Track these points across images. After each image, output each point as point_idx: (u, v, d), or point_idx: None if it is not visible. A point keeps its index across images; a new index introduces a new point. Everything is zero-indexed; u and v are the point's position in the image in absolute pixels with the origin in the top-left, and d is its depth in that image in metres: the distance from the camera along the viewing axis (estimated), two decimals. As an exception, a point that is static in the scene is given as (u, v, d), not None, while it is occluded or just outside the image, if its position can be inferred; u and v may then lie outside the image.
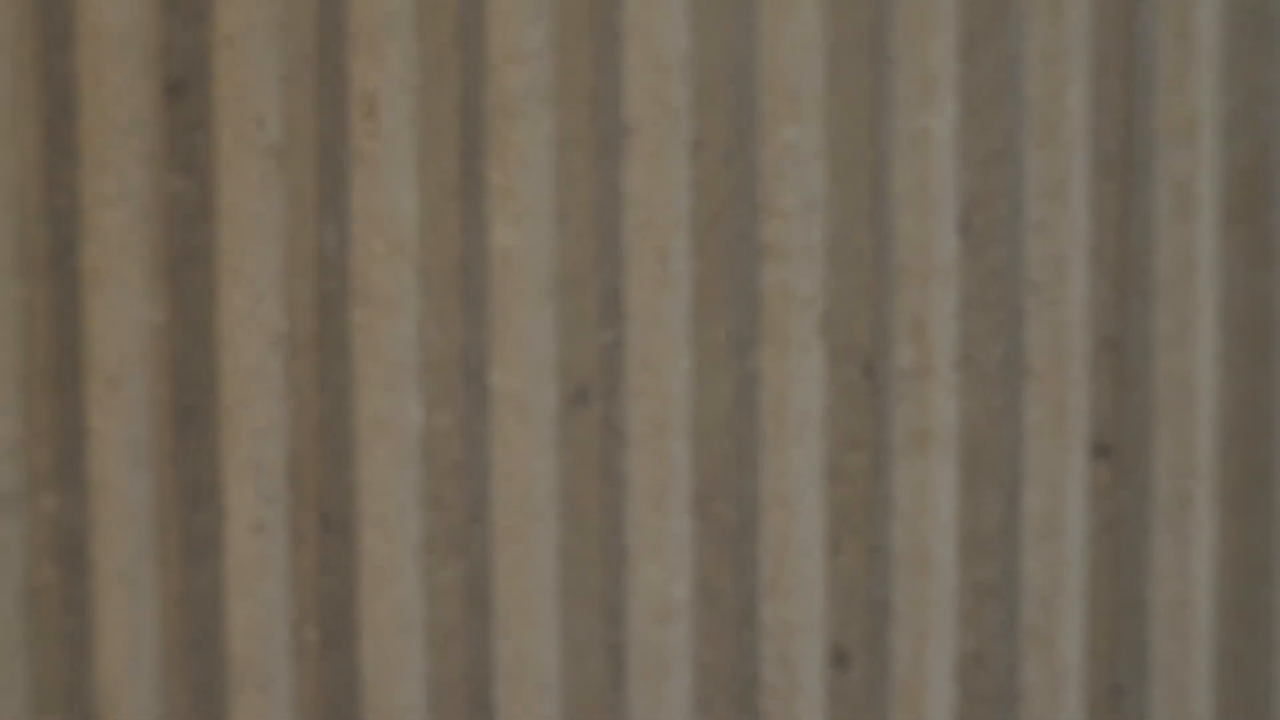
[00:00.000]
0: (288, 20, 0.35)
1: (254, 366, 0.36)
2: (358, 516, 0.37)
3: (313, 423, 0.36)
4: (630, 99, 0.35)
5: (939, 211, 0.35)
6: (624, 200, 0.36)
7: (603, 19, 0.35)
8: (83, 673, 0.37)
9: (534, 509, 0.36)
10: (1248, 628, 0.37)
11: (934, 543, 0.36)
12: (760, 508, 0.36)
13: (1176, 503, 0.36)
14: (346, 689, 0.37)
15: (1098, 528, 0.36)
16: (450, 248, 0.36)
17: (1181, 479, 0.36)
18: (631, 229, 0.36)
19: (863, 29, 0.35)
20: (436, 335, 0.36)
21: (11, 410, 0.36)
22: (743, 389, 0.36)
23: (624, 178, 0.36)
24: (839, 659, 0.36)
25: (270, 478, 0.36)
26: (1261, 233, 0.36)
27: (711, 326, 0.36)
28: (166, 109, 0.36)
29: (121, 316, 0.36)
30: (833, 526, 0.36)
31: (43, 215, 0.36)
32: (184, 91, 0.36)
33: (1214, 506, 0.36)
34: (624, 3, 0.35)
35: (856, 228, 0.35)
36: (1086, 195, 0.36)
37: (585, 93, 0.35)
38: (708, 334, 0.36)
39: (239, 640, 0.37)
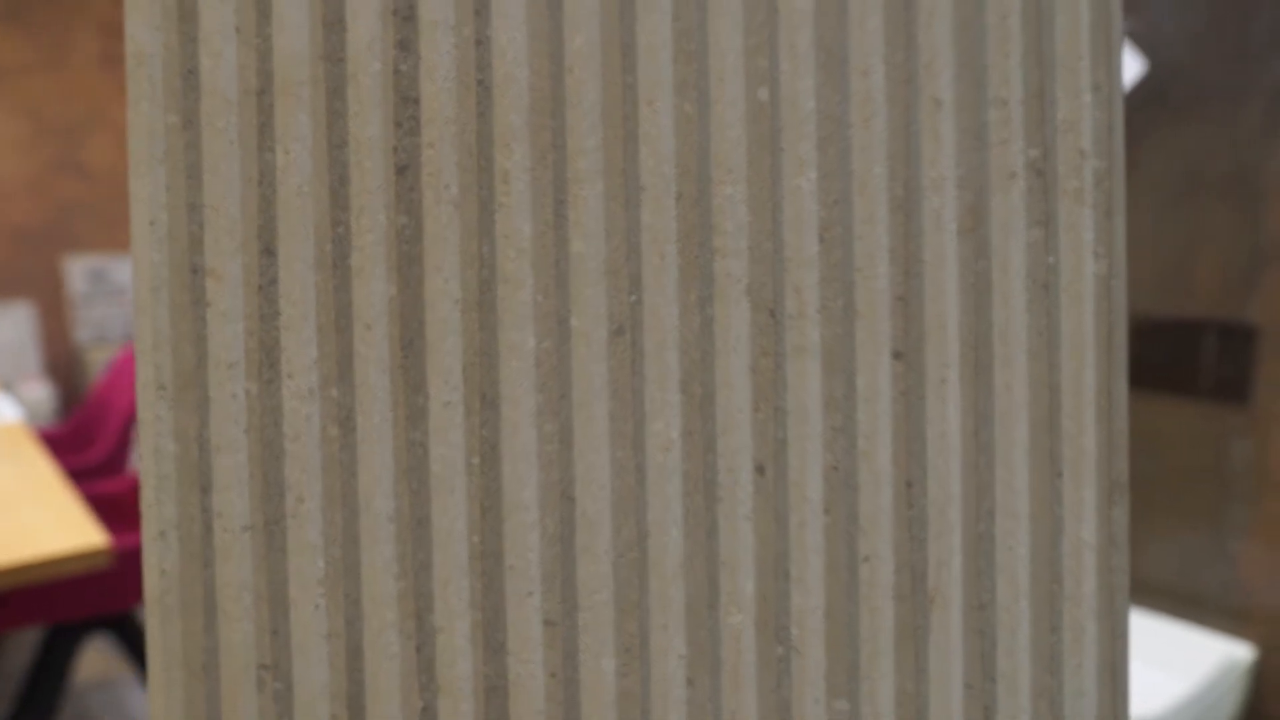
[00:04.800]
0: (459, 134, 0.64)
1: (444, 318, 0.63)
2: (500, 397, 0.64)
3: (476, 346, 0.64)
4: (643, 173, 0.63)
5: (807, 230, 0.64)
6: (640, 227, 0.64)
7: (627, 132, 0.63)
8: (351, 488, 0.65)
9: (593, 391, 0.64)
10: (979, 447, 0.65)
11: (809, 404, 0.64)
12: (715, 388, 0.64)
13: (938, 380, 0.65)
14: (494, 491, 0.65)
15: (895, 395, 0.65)
16: (548, 253, 0.64)
17: (940, 368, 0.64)
18: (645, 243, 0.64)
19: (765, 136, 0.64)
20: (541, 299, 0.64)
21: (312, 344, 0.64)
22: (704, 326, 0.64)
23: (640, 215, 0.64)
24: (759, 469, 0.65)
25: (453, 376, 0.64)
26: (979, 241, 0.65)
27: (687, 292, 0.64)
28: (396, 182, 0.64)
29: (372, 292, 0.63)
30: (754, 397, 0.64)
31: (329, 238, 0.64)
32: (405, 172, 0.63)
33: (959, 383, 0.65)
34: (640, 122, 0.63)
35: (763, 240, 0.64)
36: (886, 222, 0.64)
37: (619, 170, 0.63)
38: (685, 296, 0.64)
39: (436, 465, 0.65)
